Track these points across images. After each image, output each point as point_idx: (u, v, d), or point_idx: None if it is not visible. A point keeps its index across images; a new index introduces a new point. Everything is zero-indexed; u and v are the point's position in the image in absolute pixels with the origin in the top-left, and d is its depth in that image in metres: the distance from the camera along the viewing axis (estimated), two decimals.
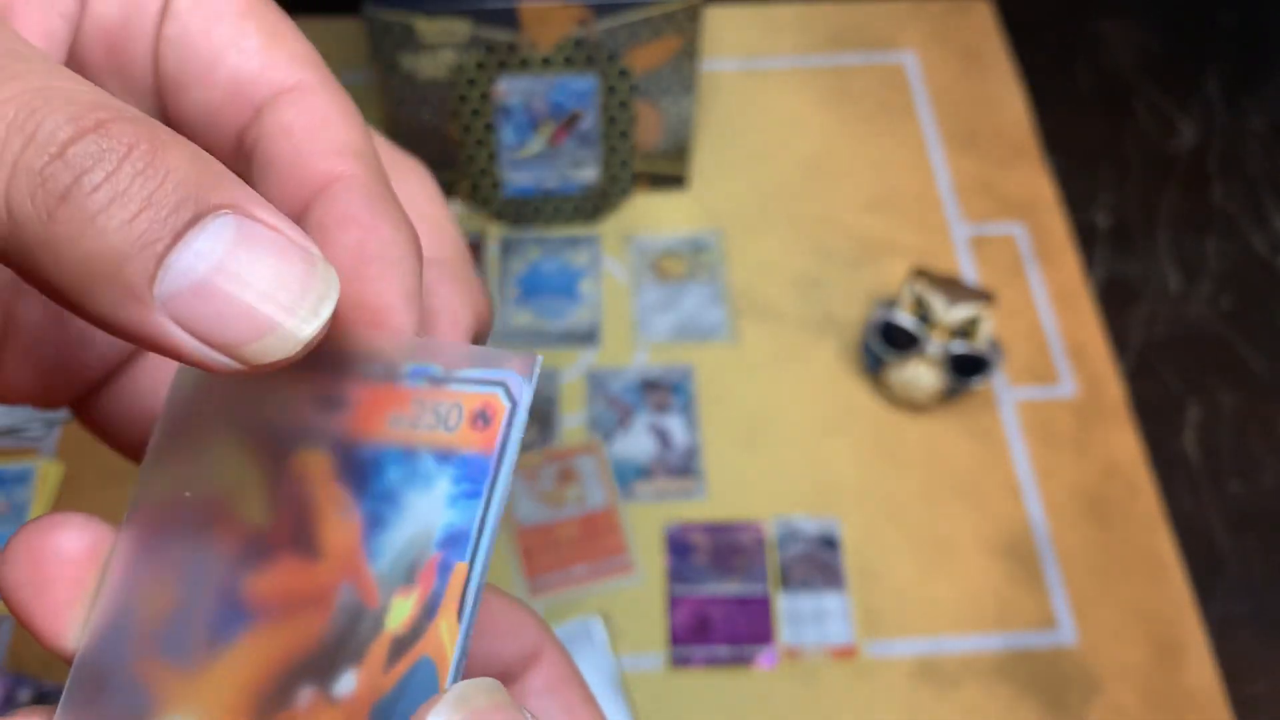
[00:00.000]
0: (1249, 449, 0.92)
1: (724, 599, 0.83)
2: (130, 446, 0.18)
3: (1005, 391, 0.94)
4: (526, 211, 1.02)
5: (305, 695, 0.15)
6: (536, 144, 0.96)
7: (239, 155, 0.16)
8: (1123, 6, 1.21)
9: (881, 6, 1.20)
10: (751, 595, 0.83)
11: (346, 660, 0.15)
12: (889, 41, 1.17)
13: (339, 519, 0.15)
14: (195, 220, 0.12)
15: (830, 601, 0.83)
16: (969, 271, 1.01)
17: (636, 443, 0.90)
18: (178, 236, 0.12)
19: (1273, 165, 1.09)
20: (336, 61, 1.15)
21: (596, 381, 0.93)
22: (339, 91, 0.17)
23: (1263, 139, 1.11)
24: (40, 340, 0.17)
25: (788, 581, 0.84)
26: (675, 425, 0.91)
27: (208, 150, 0.14)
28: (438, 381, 0.15)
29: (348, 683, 0.15)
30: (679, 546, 0.85)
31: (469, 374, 0.15)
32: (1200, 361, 0.97)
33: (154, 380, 0.18)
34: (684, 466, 0.89)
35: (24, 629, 0.16)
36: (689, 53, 0.92)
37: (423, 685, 0.14)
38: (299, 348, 0.13)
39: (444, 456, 0.15)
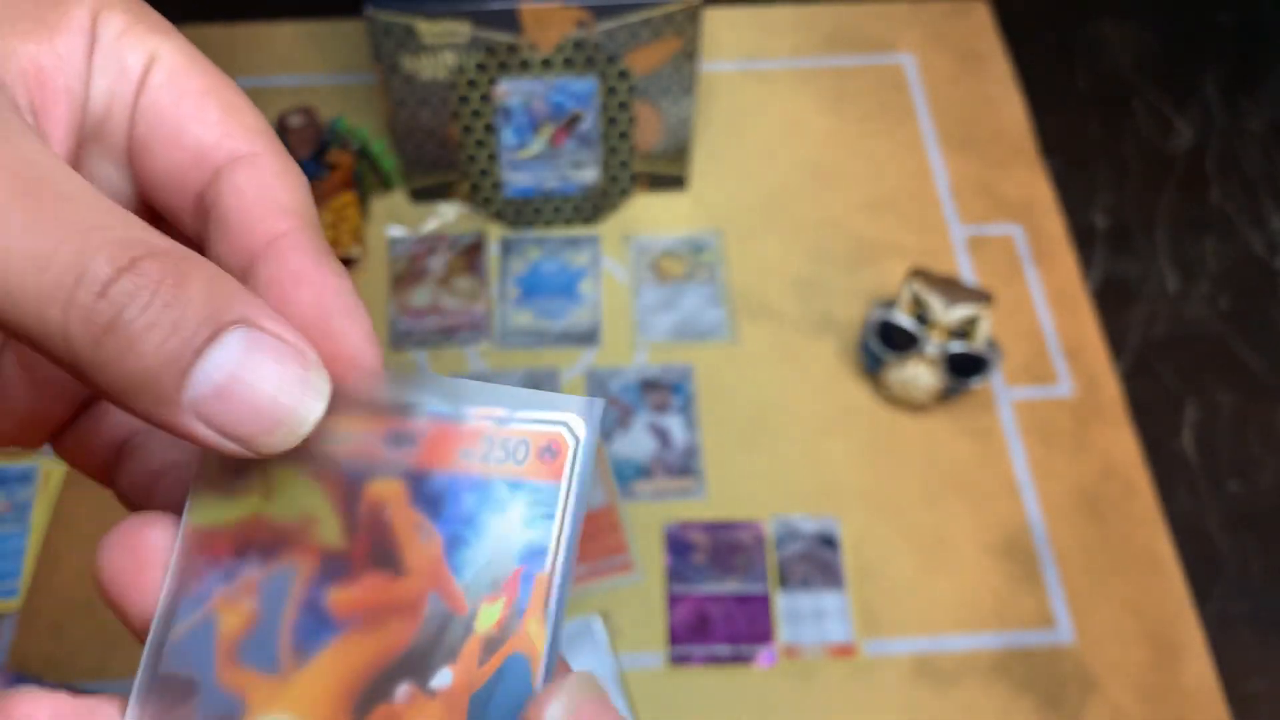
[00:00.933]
0: (1247, 448, 0.93)
1: (723, 597, 0.83)
2: (99, 471, 0.21)
3: (1003, 391, 0.94)
4: (527, 212, 1.02)
5: (403, 691, 0.17)
6: (537, 145, 0.97)
7: (199, 210, 0.19)
8: (1121, 7, 1.22)
9: (880, 8, 1.20)
10: (751, 594, 0.83)
11: (441, 659, 0.17)
12: (887, 43, 1.17)
13: (419, 539, 0.17)
14: (213, 337, 0.15)
15: (829, 600, 0.83)
16: (967, 272, 1.01)
17: (636, 442, 0.90)
18: (198, 353, 0.15)
19: (1271, 166, 1.10)
20: (337, 63, 1.15)
21: (596, 381, 0.93)
22: (285, 158, 0.19)
23: (1261, 140, 1.12)
24: (15, 394, 0.19)
25: (787, 580, 0.84)
26: (675, 425, 0.91)
27: (172, 205, 0.19)
28: (503, 421, 0.17)
29: (444, 678, 0.17)
30: (678, 545, 0.85)
31: (533, 415, 0.17)
32: (1198, 361, 0.97)
33: (117, 414, 0.21)
34: (683, 466, 0.89)
35: (114, 612, 0.18)
36: (688, 54, 0.92)
37: (516, 676, 0.16)
38: (301, 440, 0.16)
39: (516, 485, 0.17)
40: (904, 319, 0.88)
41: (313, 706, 0.17)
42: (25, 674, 0.79)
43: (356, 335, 0.18)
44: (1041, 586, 0.85)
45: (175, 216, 0.19)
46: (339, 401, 0.18)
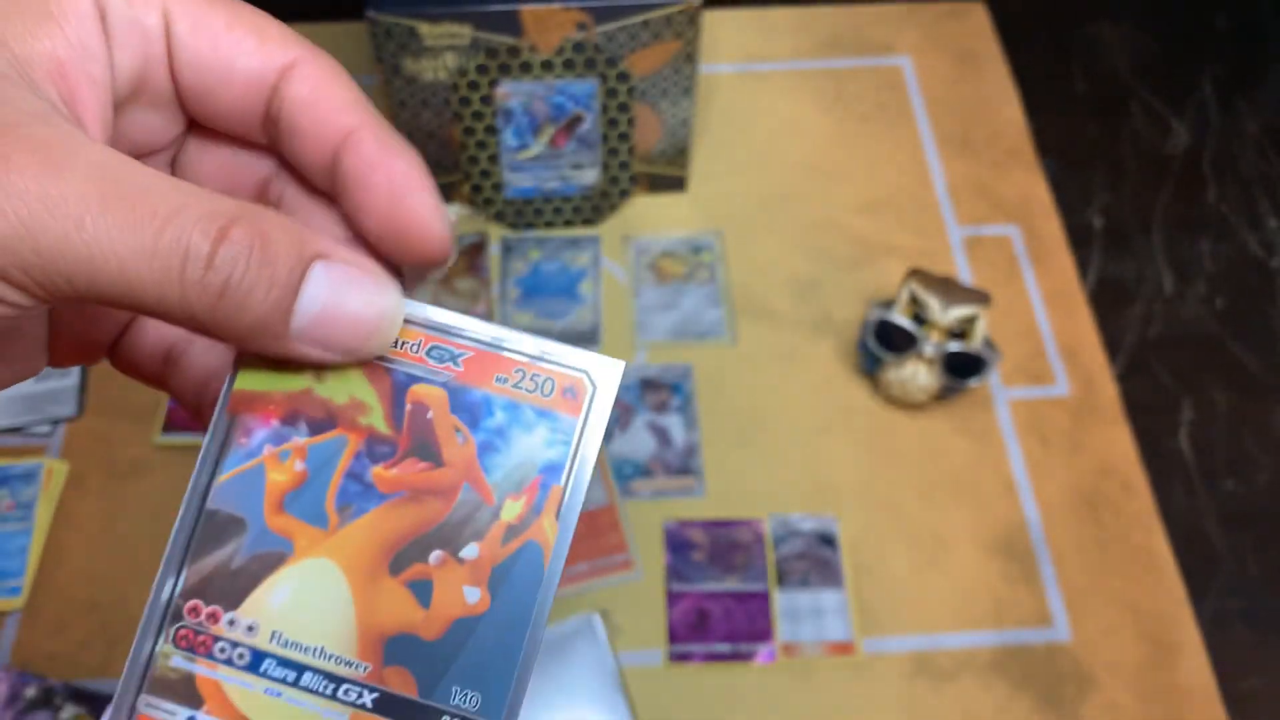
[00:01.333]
0: (1243, 448, 0.93)
1: (722, 595, 0.83)
2: (152, 378, 0.24)
3: (1000, 391, 0.95)
4: (527, 213, 1.02)
5: (436, 555, 0.20)
6: (537, 146, 0.97)
7: (266, 125, 0.21)
8: (1118, 9, 1.22)
9: (878, 10, 1.21)
10: (750, 592, 0.83)
11: (471, 536, 0.20)
12: (885, 45, 1.18)
13: (457, 440, 0.21)
14: (302, 276, 0.18)
15: (828, 598, 0.83)
16: (964, 272, 1.01)
17: (636, 441, 0.91)
18: (295, 293, 0.18)
19: (1267, 167, 1.10)
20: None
21: None
22: (325, 57, 0.21)
23: (1257, 141, 1.12)
24: (72, 326, 0.23)
25: (785, 579, 0.84)
26: (674, 424, 0.92)
27: (240, 130, 0.21)
28: (535, 359, 0.21)
29: (472, 551, 0.20)
30: (678, 544, 0.86)
31: (562, 358, 0.21)
32: (1194, 361, 0.98)
33: (155, 328, 0.24)
34: (683, 465, 0.90)
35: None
36: (688, 56, 0.93)
37: (531, 558, 0.20)
38: (390, 345, 0.20)
39: (542, 413, 0.21)
40: (902, 319, 0.89)
41: (354, 557, 0.20)
42: (28, 672, 0.79)
43: (426, 211, 0.20)
44: (1039, 585, 0.85)
45: (245, 136, 0.21)
46: None
